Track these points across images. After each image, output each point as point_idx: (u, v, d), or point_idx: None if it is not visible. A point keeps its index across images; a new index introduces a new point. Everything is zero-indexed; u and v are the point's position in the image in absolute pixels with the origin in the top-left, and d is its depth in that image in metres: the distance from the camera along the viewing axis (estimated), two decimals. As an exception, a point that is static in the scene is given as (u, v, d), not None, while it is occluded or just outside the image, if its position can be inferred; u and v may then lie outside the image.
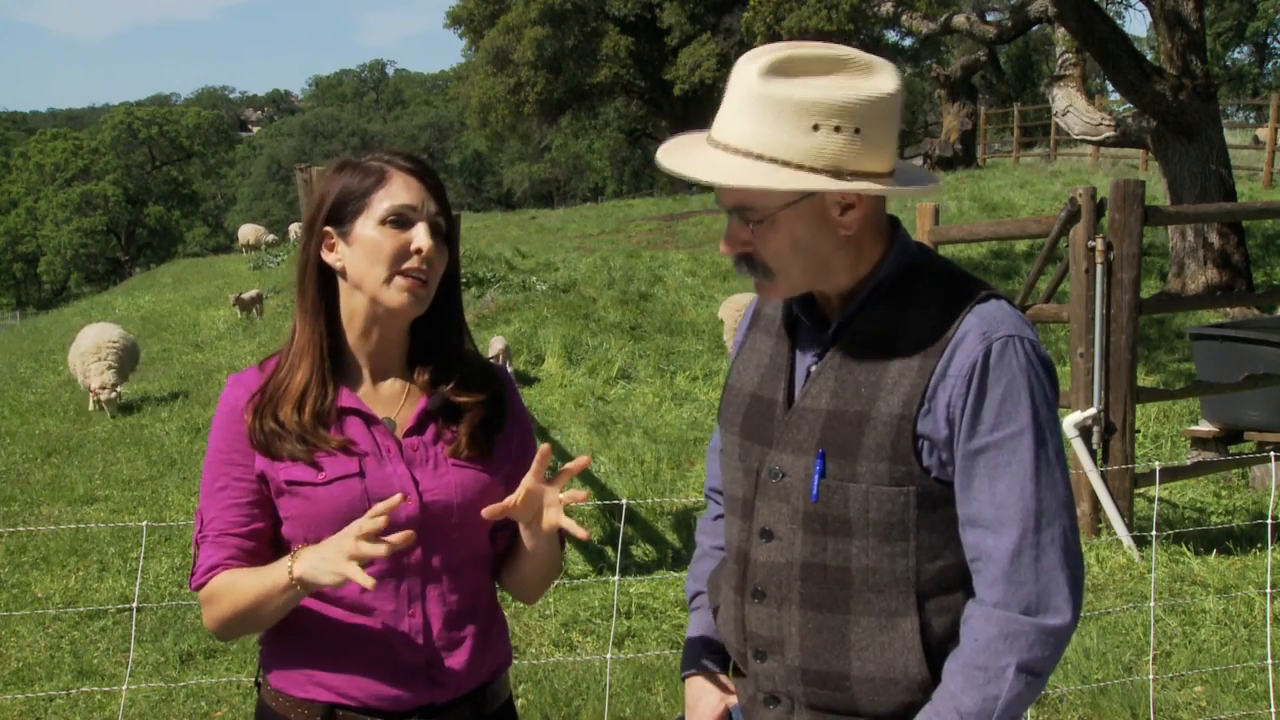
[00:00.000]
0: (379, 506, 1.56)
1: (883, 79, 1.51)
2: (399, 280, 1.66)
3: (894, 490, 1.55)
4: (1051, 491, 1.53)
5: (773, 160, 1.49)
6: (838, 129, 1.48)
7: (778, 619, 1.63)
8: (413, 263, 1.66)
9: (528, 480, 1.65)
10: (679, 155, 1.58)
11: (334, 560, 1.56)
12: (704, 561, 1.89)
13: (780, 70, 1.50)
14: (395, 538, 1.55)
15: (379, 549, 1.54)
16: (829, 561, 1.59)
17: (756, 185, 1.48)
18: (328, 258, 1.71)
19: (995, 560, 1.53)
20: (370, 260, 1.66)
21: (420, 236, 1.66)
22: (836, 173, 1.49)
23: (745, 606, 1.67)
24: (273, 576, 1.62)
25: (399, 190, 1.67)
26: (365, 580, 1.53)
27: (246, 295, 17.19)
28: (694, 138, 1.62)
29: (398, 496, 1.58)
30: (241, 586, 1.65)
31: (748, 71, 1.51)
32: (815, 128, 1.48)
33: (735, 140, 1.51)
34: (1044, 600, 1.52)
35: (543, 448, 1.67)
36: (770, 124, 1.48)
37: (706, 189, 1.74)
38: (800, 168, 1.49)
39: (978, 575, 1.56)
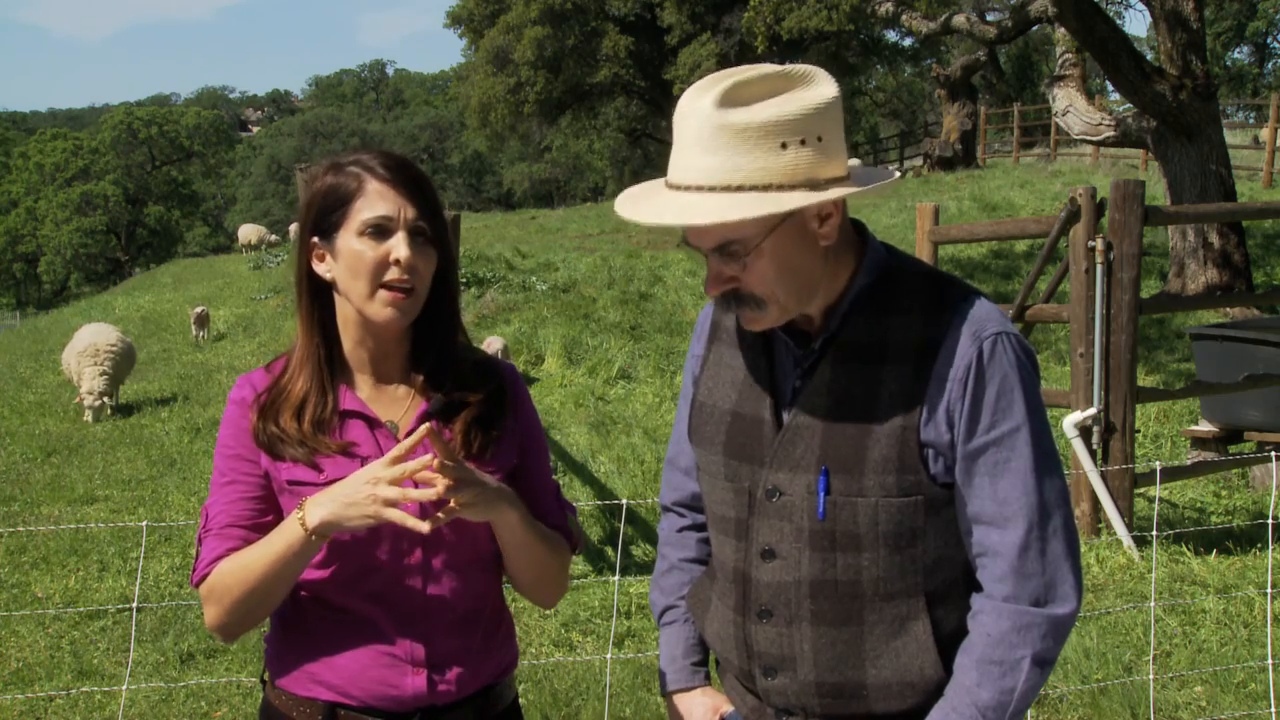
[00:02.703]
0: (403, 444, 1.56)
1: (824, 85, 1.52)
2: (382, 294, 1.65)
3: (904, 501, 1.55)
4: (1050, 483, 1.56)
5: (753, 188, 1.47)
6: (803, 142, 1.48)
7: (787, 637, 1.62)
8: (393, 274, 1.65)
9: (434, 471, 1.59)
10: (648, 205, 1.55)
11: (363, 505, 1.56)
12: (672, 575, 1.87)
13: (733, 100, 1.48)
14: (412, 523, 1.55)
15: (408, 494, 1.55)
16: (839, 577, 1.58)
17: (752, 215, 1.46)
18: (318, 268, 1.70)
19: (1002, 555, 1.55)
20: (352, 274, 1.65)
21: (399, 247, 1.64)
22: (813, 185, 1.49)
23: (749, 626, 1.66)
24: (283, 538, 1.61)
25: (375, 200, 1.65)
26: (418, 524, 1.54)
27: (201, 311, 16.97)
28: (651, 186, 1.59)
29: (424, 428, 1.56)
30: (249, 562, 1.63)
31: (700, 108, 1.49)
32: (784, 146, 1.48)
33: (708, 178, 1.49)
34: (1052, 590, 1.55)
35: (423, 428, 1.57)
36: (742, 153, 1.47)
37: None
38: (781, 188, 1.48)
39: (984, 570, 1.58)
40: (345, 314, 1.72)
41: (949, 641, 1.60)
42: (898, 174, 1.63)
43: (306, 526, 1.58)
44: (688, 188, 1.51)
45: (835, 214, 1.55)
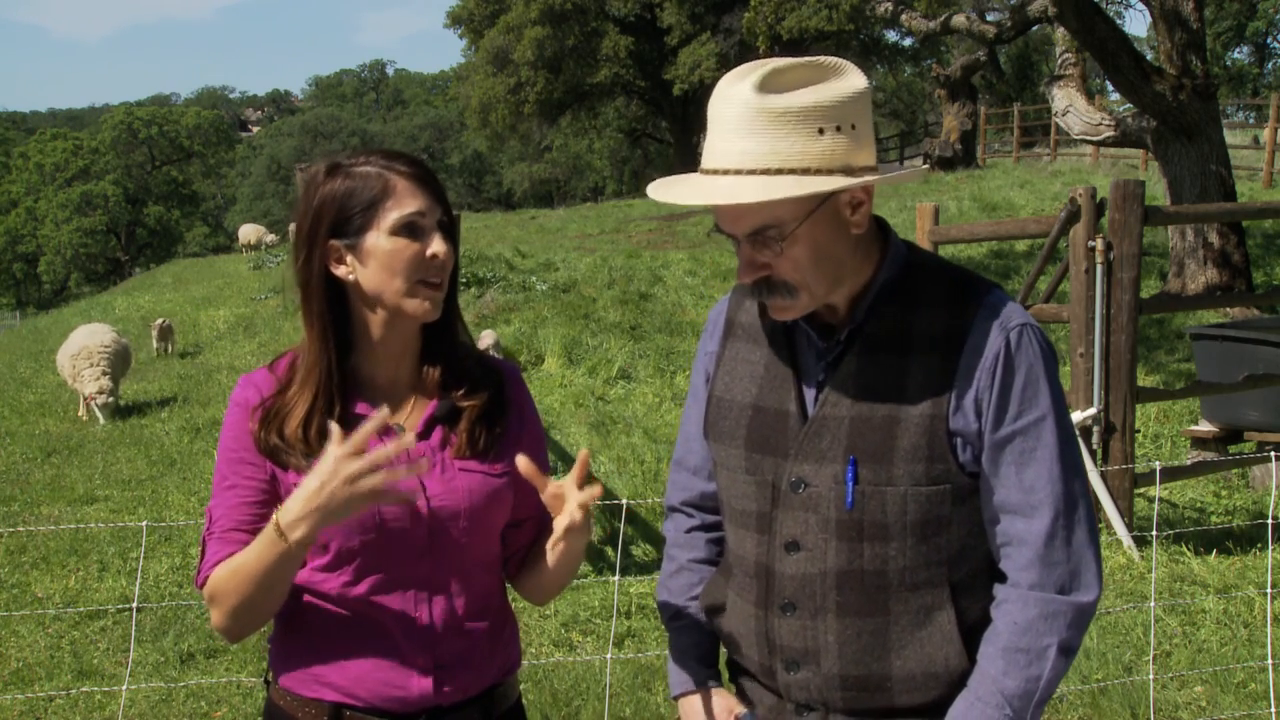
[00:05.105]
0: (365, 428, 1.53)
1: (856, 76, 1.55)
2: (419, 289, 1.66)
3: (933, 490, 1.56)
4: (1074, 472, 1.58)
5: (792, 171, 1.49)
6: (839, 129, 1.51)
7: (812, 629, 1.62)
8: (432, 271, 1.66)
9: (565, 483, 1.61)
10: (685, 189, 1.56)
11: (347, 503, 1.52)
12: (681, 576, 1.86)
13: (771, 86, 1.50)
14: (402, 473, 1.53)
15: (384, 479, 1.51)
16: (866, 567, 1.59)
17: (795, 194, 1.47)
18: (338, 271, 1.68)
19: (1029, 544, 1.56)
20: (389, 273, 1.65)
21: (436, 243, 1.66)
22: (848, 170, 1.51)
23: (771, 620, 1.66)
24: (268, 550, 1.57)
25: (407, 198, 1.65)
26: (401, 498, 1.55)
27: (163, 324, 15.92)
28: (682, 176, 1.60)
29: (384, 411, 1.53)
30: (239, 568, 1.62)
31: (739, 92, 1.50)
32: (821, 131, 1.50)
33: (747, 161, 1.49)
34: (1076, 579, 1.57)
35: (583, 454, 1.62)
36: (781, 137, 1.49)
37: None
38: (819, 172, 1.50)
39: (1008, 559, 1.59)
40: (366, 316, 1.70)
41: (972, 632, 1.61)
42: (924, 165, 1.66)
43: (289, 541, 1.55)
44: (725, 171, 1.51)
45: (866, 202, 1.57)
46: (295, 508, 1.55)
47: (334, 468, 1.52)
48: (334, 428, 1.54)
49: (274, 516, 1.57)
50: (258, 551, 1.60)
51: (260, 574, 1.60)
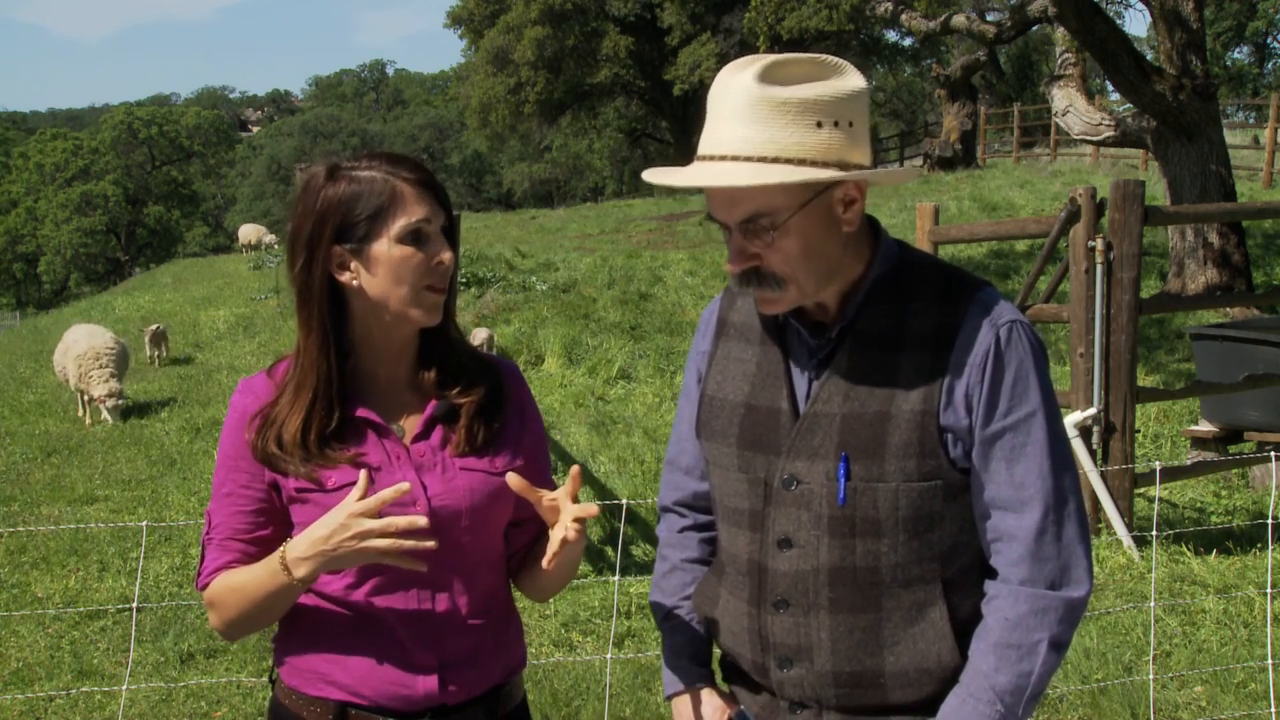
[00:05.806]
0: (384, 495, 1.56)
1: (856, 76, 1.57)
2: (424, 295, 1.67)
3: (924, 485, 1.57)
4: (1064, 468, 1.58)
5: (788, 161, 1.50)
6: (836, 124, 1.52)
7: (805, 626, 1.63)
8: (437, 277, 1.67)
9: (560, 496, 1.63)
10: (681, 174, 1.57)
11: (352, 554, 1.57)
12: (674, 576, 1.86)
13: (772, 77, 1.51)
14: (409, 545, 1.56)
15: (392, 544, 1.55)
16: (858, 563, 1.59)
17: (790, 180, 1.48)
18: (343, 277, 1.67)
19: (1019, 539, 1.57)
20: (395, 280, 1.65)
21: (443, 251, 1.67)
22: (843, 166, 1.52)
23: (764, 617, 1.66)
24: (272, 580, 1.62)
25: (413, 206, 1.65)
26: (413, 564, 1.58)
27: (157, 329, 14.72)
28: (680, 167, 1.61)
29: (403, 486, 1.56)
30: (241, 587, 1.66)
31: (740, 81, 1.51)
32: (819, 125, 1.51)
33: (744, 148, 1.50)
34: (1066, 574, 1.58)
35: (574, 470, 1.64)
36: (779, 126, 1.50)
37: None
38: (814, 164, 1.51)
39: (999, 555, 1.59)
40: (368, 322, 1.70)
41: (964, 628, 1.61)
42: (920, 166, 1.66)
43: (293, 577, 1.60)
44: (722, 157, 1.52)
45: (859, 201, 1.58)
46: (302, 548, 1.59)
47: (345, 522, 1.55)
48: (362, 475, 1.58)
49: (282, 549, 1.61)
50: (261, 578, 1.63)
51: (261, 598, 1.64)
